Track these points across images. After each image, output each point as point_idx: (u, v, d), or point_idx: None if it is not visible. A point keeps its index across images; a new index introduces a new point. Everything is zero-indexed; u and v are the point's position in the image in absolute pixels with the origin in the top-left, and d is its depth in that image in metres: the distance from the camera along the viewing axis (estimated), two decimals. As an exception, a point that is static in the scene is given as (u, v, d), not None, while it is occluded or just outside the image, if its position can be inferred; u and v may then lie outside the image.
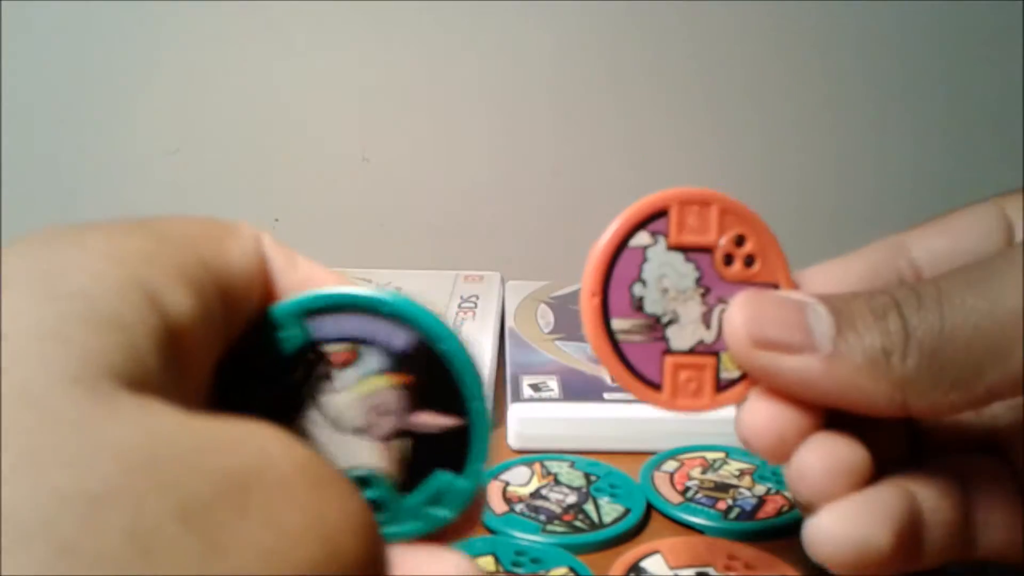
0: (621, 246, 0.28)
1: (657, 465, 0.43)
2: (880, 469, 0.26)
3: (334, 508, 0.15)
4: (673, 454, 0.43)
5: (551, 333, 0.54)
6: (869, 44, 0.70)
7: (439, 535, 0.21)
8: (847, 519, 0.25)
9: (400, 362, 0.20)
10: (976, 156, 0.72)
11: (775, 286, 0.28)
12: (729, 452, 0.44)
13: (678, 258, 0.28)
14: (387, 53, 0.69)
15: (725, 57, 0.70)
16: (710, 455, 0.43)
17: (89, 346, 0.14)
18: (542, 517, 0.38)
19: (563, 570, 0.35)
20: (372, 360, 0.20)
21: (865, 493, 0.26)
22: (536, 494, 0.40)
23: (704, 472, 0.42)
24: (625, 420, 0.45)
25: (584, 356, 0.50)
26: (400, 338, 0.20)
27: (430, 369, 0.20)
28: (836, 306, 0.25)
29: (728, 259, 0.28)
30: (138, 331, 0.15)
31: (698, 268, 0.28)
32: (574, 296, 0.59)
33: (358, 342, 0.20)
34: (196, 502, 0.13)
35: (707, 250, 0.28)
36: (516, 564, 0.35)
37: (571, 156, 0.71)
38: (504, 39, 0.69)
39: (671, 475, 0.42)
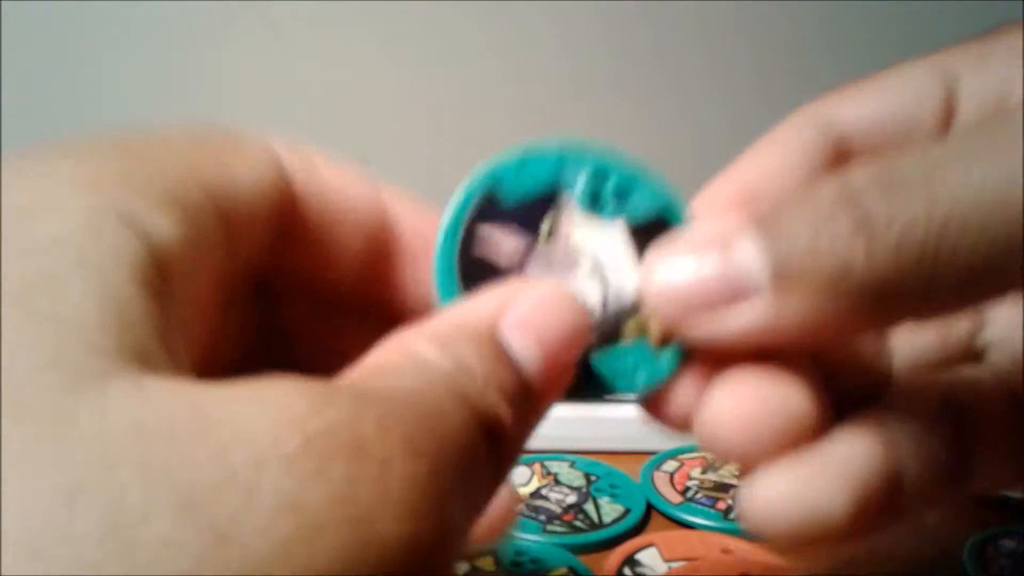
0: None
1: (657, 465, 0.43)
2: (842, 407, 0.20)
3: (371, 482, 0.12)
4: (673, 454, 0.43)
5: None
6: (868, 44, 0.70)
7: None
8: (789, 484, 0.19)
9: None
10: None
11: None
12: (729, 452, 0.44)
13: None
14: (387, 53, 0.69)
15: (730, 55, 0.70)
16: (710, 455, 0.43)
17: (64, 316, 0.12)
18: (542, 517, 0.38)
19: (563, 570, 0.35)
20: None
21: (815, 448, 0.19)
22: (536, 494, 0.40)
23: (704, 472, 0.42)
24: (625, 420, 0.45)
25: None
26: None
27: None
28: (765, 227, 0.18)
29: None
30: (118, 276, 0.13)
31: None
32: (574, 296, 0.59)
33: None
34: (194, 489, 0.11)
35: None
36: (516, 564, 0.35)
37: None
38: (505, 39, 0.69)
39: (671, 475, 0.42)
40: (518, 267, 0.20)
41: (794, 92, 0.73)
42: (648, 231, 0.21)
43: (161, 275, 0.14)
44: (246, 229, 0.18)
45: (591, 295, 0.20)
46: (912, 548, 0.38)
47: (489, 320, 0.17)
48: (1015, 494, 0.41)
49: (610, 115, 0.71)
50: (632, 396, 0.20)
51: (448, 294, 0.20)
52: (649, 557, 0.35)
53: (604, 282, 0.21)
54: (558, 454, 0.43)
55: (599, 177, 0.21)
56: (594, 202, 0.21)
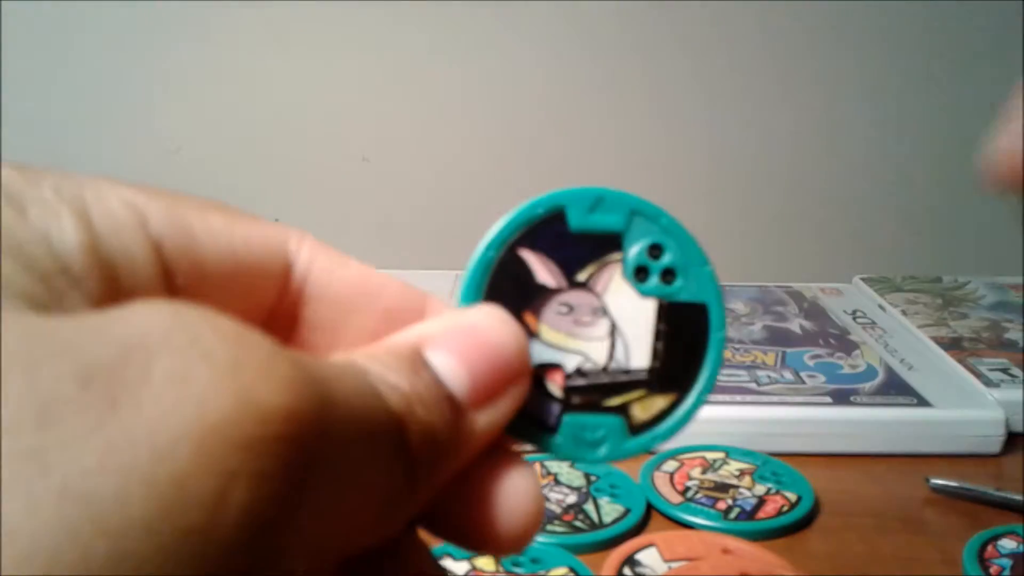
0: None
1: (657, 465, 0.43)
2: None
3: (253, 362, 0.14)
4: (673, 454, 0.43)
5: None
6: (867, 44, 0.70)
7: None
8: None
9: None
10: (976, 155, 0.72)
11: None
12: (729, 452, 0.44)
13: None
14: (387, 54, 0.69)
15: (726, 61, 0.70)
16: (710, 455, 0.43)
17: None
18: (542, 517, 0.38)
19: (563, 570, 0.35)
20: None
21: None
22: (536, 494, 0.40)
23: (704, 472, 0.42)
24: (625, 420, 0.45)
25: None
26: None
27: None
28: None
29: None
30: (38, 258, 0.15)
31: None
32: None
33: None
34: (96, 365, 0.13)
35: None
36: (516, 564, 0.35)
37: (571, 156, 0.71)
38: (505, 40, 0.69)
39: (671, 475, 0.42)
40: (540, 301, 0.20)
41: (808, 94, 0.73)
42: (680, 318, 0.21)
43: (54, 261, 0.16)
44: (206, 278, 0.18)
45: (596, 355, 0.20)
46: (912, 547, 0.38)
47: (416, 340, 0.18)
48: (1015, 494, 0.41)
49: (617, 116, 0.71)
50: (589, 462, 0.21)
51: (466, 300, 0.20)
52: (649, 557, 0.36)
53: (612, 348, 0.20)
54: (558, 454, 0.43)
55: (654, 251, 0.21)
56: (639, 274, 0.21)
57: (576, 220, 0.20)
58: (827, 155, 0.72)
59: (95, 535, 0.12)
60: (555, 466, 0.42)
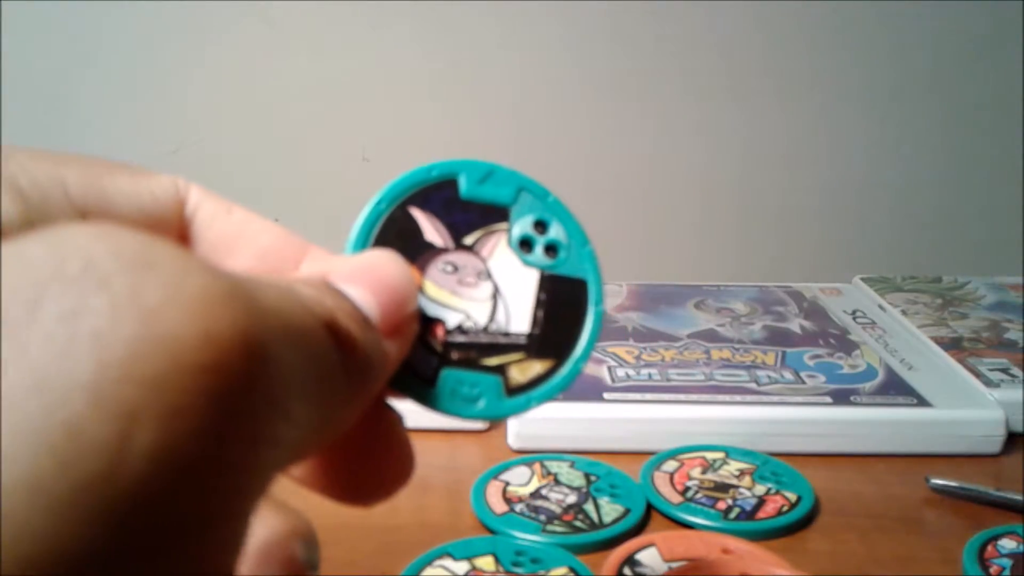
0: None
1: (657, 465, 0.43)
2: None
3: (157, 287, 0.12)
4: (673, 454, 0.43)
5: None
6: (867, 43, 0.70)
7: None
8: None
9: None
10: (976, 155, 0.72)
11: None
12: (729, 452, 0.44)
13: None
14: (387, 53, 0.69)
15: (725, 59, 0.70)
16: (710, 455, 0.43)
17: None
18: (542, 517, 0.38)
19: (563, 570, 0.35)
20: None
21: None
22: (536, 494, 0.40)
23: (704, 472, 0.42)
24: (625, 420, 0.45)
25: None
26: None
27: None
28: None
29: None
30: None
31: None
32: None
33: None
34: None
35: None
36: (516, 564, 0.35)
37: (571, 156, 0.71)
38: (505, 39, 0.69)
39: (671, 475, 0.42)
40: (425, 258, 0.21)
41: (808, 93, 0.73)
42: (560, 290, 0.22)
43: None
44: None
45: (477, 315, 0.21)
46: (911, 547, 0.38)
47: (321, 273, 0.18)
48: (1015, 494, 0.41)
49: (617, 116, 0.71)
50: (460, 418, 0.21)
51: (355, 249, 0.21)
52: (649, 557, 0.36)
53: (494, 310, 0.21)
54: (558, 454, 0.43)
55: (539, 226, 0.22)
56: (524, 246, 0.22)
57: (467, 188, 0.22)
58: (827, 155, 0.72)
59: None
60: (555, 466, 0.42)
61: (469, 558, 0.35)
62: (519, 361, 0.21)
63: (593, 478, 0.41)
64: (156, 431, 0.11)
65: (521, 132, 0.70)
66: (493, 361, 0.21)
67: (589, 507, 0.39)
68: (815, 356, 0.51)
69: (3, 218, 0.16)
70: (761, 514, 0.39)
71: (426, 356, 0.21)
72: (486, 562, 0.35)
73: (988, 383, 0.48)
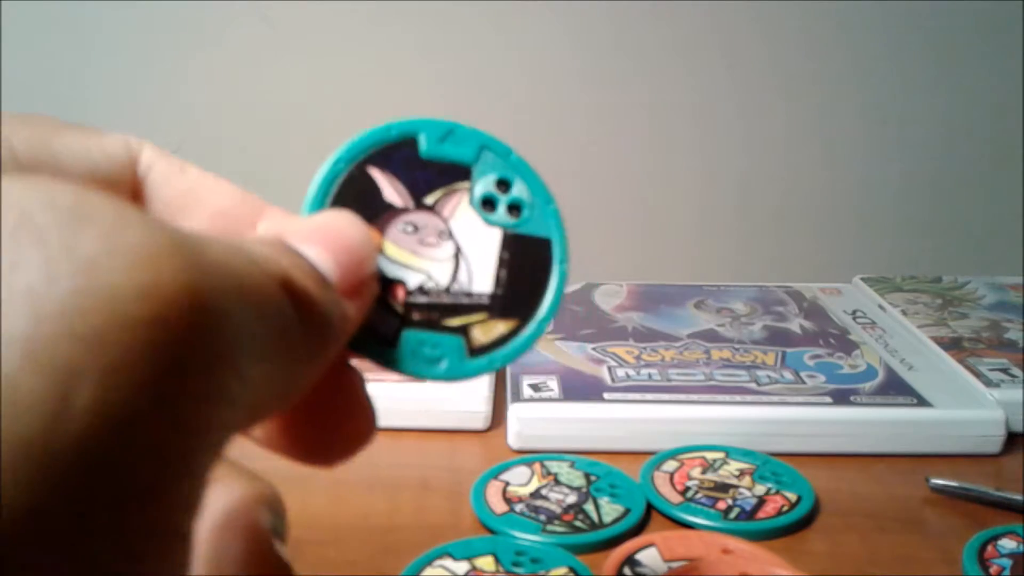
0: None
1: (657, 465, 0.43)
2: None
3: (94, 239, 0.12)
4: (673, 454, 0.43)
5: (551, 333, 0.54)
6: (867, 43, 0.70)
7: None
8: None
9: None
10: (976, 155, 0.72)
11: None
12: (729, 452, 0.44)
13: None
14: (387, 53, 0.69)
15: (724, 58, 0.70)
16: (710, 455, 0.43)
17: None
18: (542, 517, 0.38)
19: (563, 570, 0.35)
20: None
21: None
22: (536, 494, 0.40)
23: (704, 472, 0.42)
24: (625, 420, 0.45)
25: (584, 356, 0.50)
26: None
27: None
28: None
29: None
30: None
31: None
32: (574, 295, 0.59)
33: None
34: None
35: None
36: (516, 564, 0.35)
37: (570, 155, 0.71)
38: (505, 38, 0.69)
39: (671, 475, 0.42)
40: (385, 218, 0.21)
41: (808, 93, 0.73)
42: (524, 250, 0.21)
43: None
44: None
45: (438, 276, 0.21)
46: (911, 547, 0.38)
47: (277, 233, 0.18)
48: (1015, 494, 0.41)
49: (616, 116, 0.71)
50: (422, 379, 0.21)
51: (312, 209, 0.20)
52: (649, 557, 0.36)
53: (456, 270, 0.21)
54: (558, 454, 0.43)
55: (501, 185, 0.21)
56: (486, 205, 0.21)
57: (427, 147, 0.21)
58: (827, 154, 0.72)
59: None
60: (555, 466, 0.42)
61: (469, 558, 0.35)
62: (482, 322, 0.21)
63: (593, 478, 0.41)
64: (97, 387, 0.11)
65: (521, 132, 0.70)
66: (455, 322, 0.21)
67: (589, 507, 0.39)
68: (815, 356, 0.51)
69: None
70: (761, 514, 0.39)
71: (387, 317, 0.20)
72: (486, 562, 0.35)
73: (988, 383, 0.48)
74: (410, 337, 0.20)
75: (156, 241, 0.12)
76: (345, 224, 0.19)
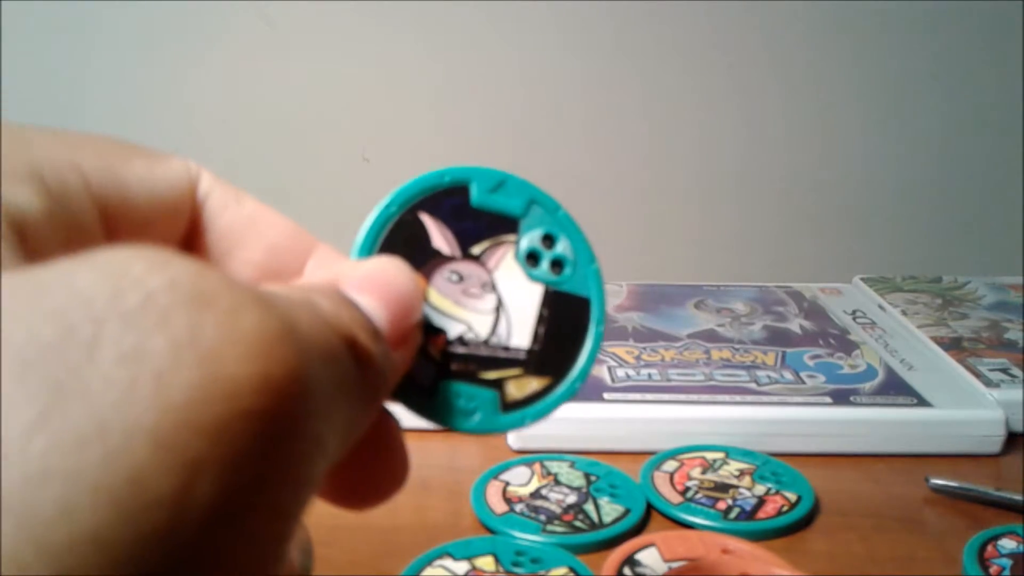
0: None
1: (657, 465, 0.43)
2: None
3: (216, 327, 0.12)
4: (673, 454, 0.43)
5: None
6: (866, 43, 0.70)
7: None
8: None
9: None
10: (976, 155, 0.72)
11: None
12: (729, 452, 0.44)
13: None
14: (387, 53, 0.69)
15: (724, 59, 0.70)
16: (710, 455, 0.43)
17: None
18: (542, 517, 0.38)
19: (563, 570, 0.35)
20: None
21: None
22: (536, 494, 0.40)
23: (704, 472, 0.42)
24: (625, 420, 0.45)
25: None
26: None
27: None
28: None
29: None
30: None
31: None
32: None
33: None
34: (31, 349, 0.11)
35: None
36: (516, 564, 0.35)
37: (570, 156, 0.71)
38: (505, 38, 0.69)
39: (671, 475, 0.42)
40: (431, 265, 0.21)
41: (808, 93, 0.73)
42: (563, 308, 0.21)
43: (18, 233, 0.15)
44: (133, 218, 0.18)
45: (479, 327, 0.21)
46: (911, 547, 0.38)
47: (333, 280, 0.18)
48: (1015, 494, 0.41)
49: (616, 117, 0.71)
50: (454, 430, 0.21)
51: (362, 253, 0.21)
52: (649, 557, 0.36)
53: (496, 323, 0.21)
54: (558, 454, 0.43)
55: (547, 240, 0.21)
56: (530, 259, 0.21)
57: (478, 196, 0.21)
58: (827, 154, 0.72)
59: (36, 556, 0.10)
60: (555, 466, 0.42)
61: (469, 558, 0.35)
62: (517, 377, 0.21)
63: (593, 478, 0.41)
64: (217, 482, 0.11)
65: (521, 131, 0.70)
66: (491, 375, 0.21)
67: (589, 507, 0.39)
68: (815, 356, 0.51)
69: (29, 215, 0.15)
70: (761, 514, 0.39)
71: (425, 366, 0.20)
72: (486, 562, 0.35)
73: (988, 383, 0.48)
74: (447, 387, 0.20)
75: (270, 327, 0.12)
76: (396, 273, 0.18)
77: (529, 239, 0.21)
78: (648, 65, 0.70)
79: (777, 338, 0.54)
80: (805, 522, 0.40)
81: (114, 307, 0.11)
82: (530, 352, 0.21)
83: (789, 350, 0.52)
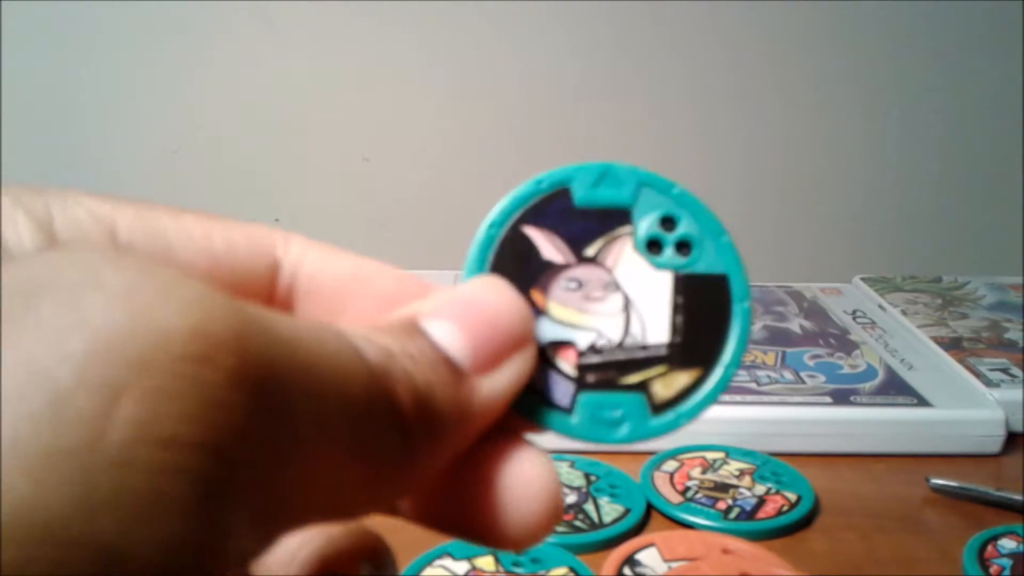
0: None
1: (657, 465, 0.43)
2: None
3: (152, 286, 0.13)
4: (673, 454, 0.43)
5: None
6: (867, 43, 0.70)
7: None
8: None
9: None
10: (976, 155, 0.72)
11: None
12: (729, 452, 0.44)
13: None
14: (387, 54, 0.69)
15: (724, 59, 0.70)
16: (710, 455, 0.43)
17: None
18: (542, 517, 0.38)
19: (563, 570, 0.35)
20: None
21: None
22: (536, 494, 0.40)
23: (704, 472, 0.42)
24: (625, 420, 0.45)
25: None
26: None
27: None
28: None
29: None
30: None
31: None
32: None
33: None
34: None
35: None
36: (516, 564, 0.35)
37: (570, 156, 0.71)
38: (505, 38, 0.69)
39: (671, 475, 0.42)
40: (547, 277, 0.19)
41: (808, 93, 0.73)
42: (699, 290, 0.20)
43: None
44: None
45: (609, 331, 0.19)
46: (911, 547, 0.38)
47: (411, 314, 0.17)
48: (1015, 494, 0.41)
49: (615, 117, 0.71)
50: (604, 446, 0.20)
51: (470, 274, 0.19)
52: (649, 557, 0.36)
53: (628, 323, 0.19)
54: (558, 454, 0.43)
55: (667, 223, 0.20)
56: (651, 247, 0.20)
57: (581, 195, 0.20)
58: (827, 154, 0.72)
59: None
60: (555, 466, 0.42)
61: (469, 558, 0.35)
62: (662, 375, 0.19)
63: (593, 478, 0.41)
64: (139, 406, 0.12)
65: (521, 131, 0.70)
66: (633, 379, 0.19)
67: (589, 507, 0.39)
68: (815, 356, 0.51)
69: (22, 250, 0.16)
70: (761, 514, 0.39)
71: (560, 382, 0.19)
72: (486, 562, 0.35)
73: (988, 383, 0.48)
74: (587, 401, 0.19)
75: (211, 296, 0.13)
76: (484, 292, 0.18)
77: (646, 226, 0.20)
78: (648, 66, 0.70)
79: (777, 338, 0.54)
80: (805, 522, 0.40)
81: (56, 278, 0.12)
82: (671, 346, 0.19)
83: (789, 350, 0.52)
